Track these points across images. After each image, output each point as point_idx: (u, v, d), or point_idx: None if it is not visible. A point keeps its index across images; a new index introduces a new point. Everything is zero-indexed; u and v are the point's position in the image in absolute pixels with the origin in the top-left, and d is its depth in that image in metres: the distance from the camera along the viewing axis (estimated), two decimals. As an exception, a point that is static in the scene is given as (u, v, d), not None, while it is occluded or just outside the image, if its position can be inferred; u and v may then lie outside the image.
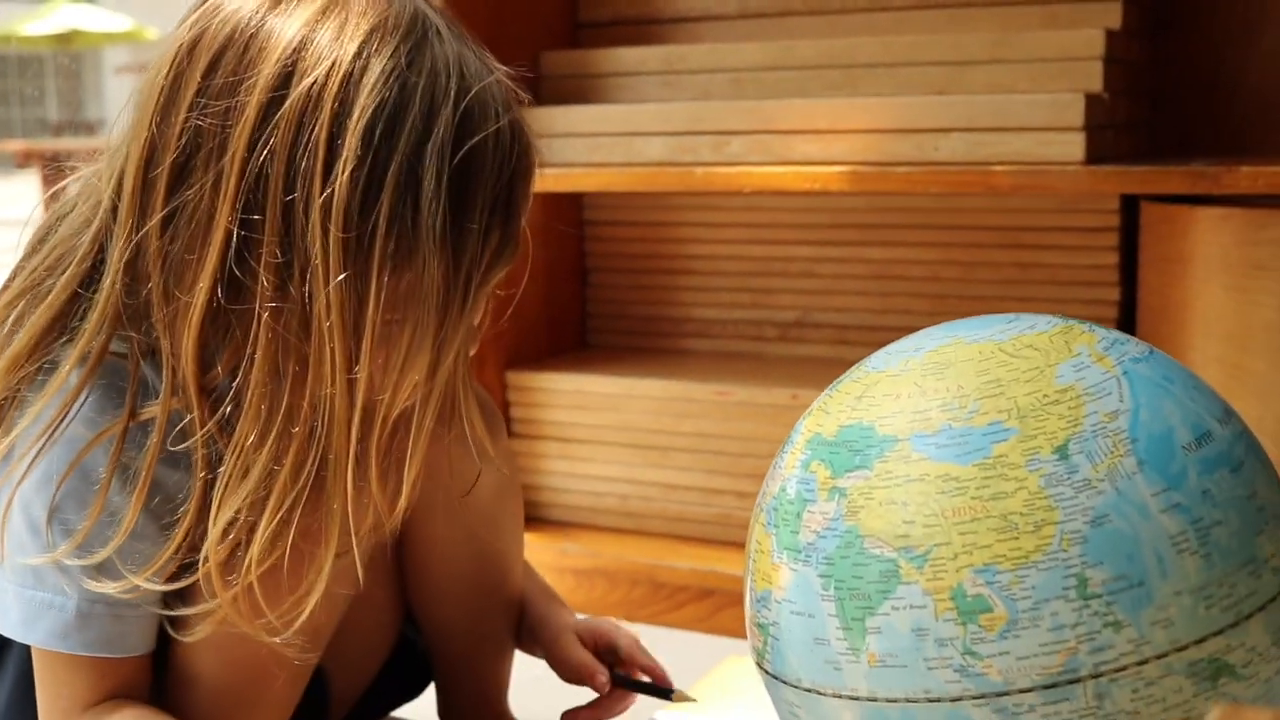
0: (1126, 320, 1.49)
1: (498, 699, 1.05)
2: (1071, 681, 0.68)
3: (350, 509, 0.75)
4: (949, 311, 1.59)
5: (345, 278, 0.73)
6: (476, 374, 1.59)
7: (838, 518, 0.74)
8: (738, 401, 1.52)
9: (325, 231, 0.73)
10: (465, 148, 0.76)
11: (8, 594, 0.79)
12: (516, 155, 0.79)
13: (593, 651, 1.00)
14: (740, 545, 1.52)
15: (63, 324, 0.79)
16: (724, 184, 1.43)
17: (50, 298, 0.79)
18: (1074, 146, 1.30)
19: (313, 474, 0.75)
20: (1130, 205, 1.48)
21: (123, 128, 0.80)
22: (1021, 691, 0.68)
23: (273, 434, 0.74)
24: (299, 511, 0.75)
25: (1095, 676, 0.68)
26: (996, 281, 1.56)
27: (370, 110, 0.73)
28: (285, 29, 0.75)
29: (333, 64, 0.74)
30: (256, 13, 0.76)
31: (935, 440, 0.72)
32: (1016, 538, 0.69)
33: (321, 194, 0.72)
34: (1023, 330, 0.77)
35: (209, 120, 0.73)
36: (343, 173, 0.72)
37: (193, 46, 0.76)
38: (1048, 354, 0.75)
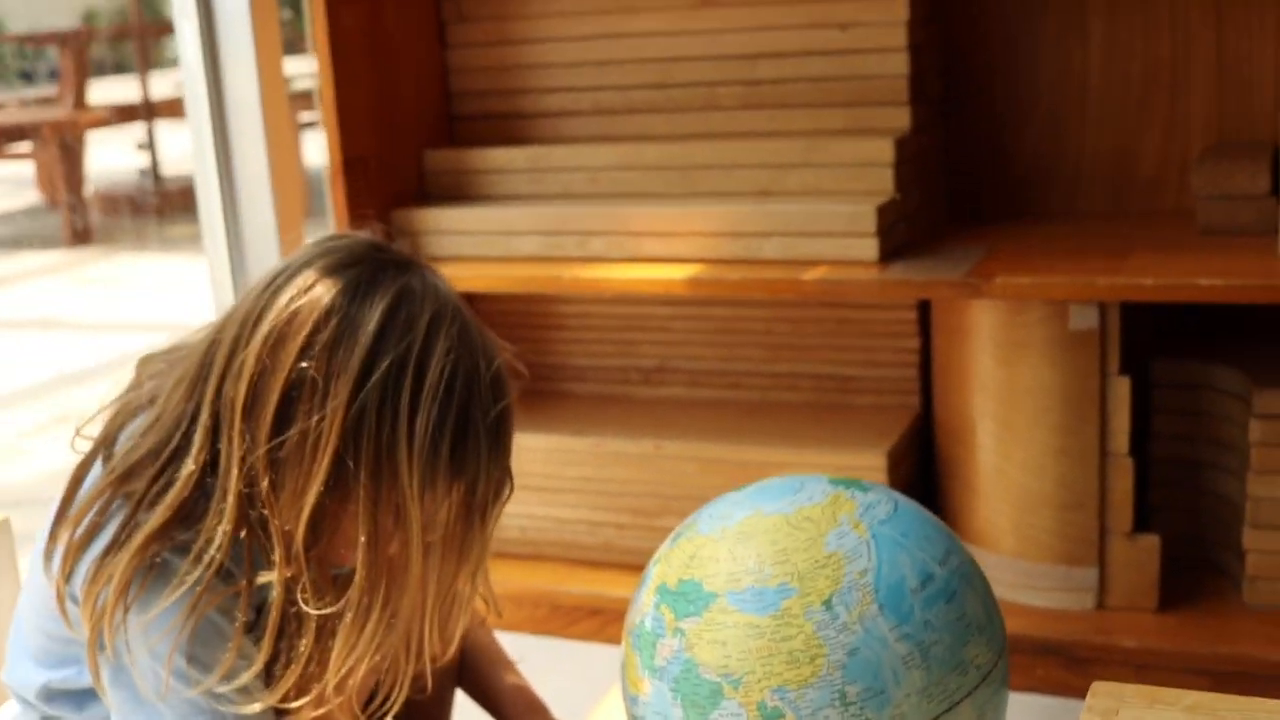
0: (926, 377, 1.81)
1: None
2: (839, 763, 1.00)
3: (419, 650, 1.07)
4: (782, 359, 1.91)
5: (423, 490, 1.02)
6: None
7: (680, 650, 1.05)
8: (611, 451, 1.82)
9: (409, 459, 1.01)
10: (502, 405, 1.06)
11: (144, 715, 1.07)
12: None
13: None
14: (621, 568, 1.83)
15: (185, 513, 1.04)
16: (589, 283, 1.72)
17: (170, 496, 1.04)
18: (869, 249, 1.61)
19: (399, 627, 1.05)
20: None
21: (189, 364, 1.07)
22: (806, 772, 1.01)
23: (376, 608, 1.04)
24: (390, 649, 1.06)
25: (856, 757, 1.00)
26: (821, 333, 1.86)
27: (447, 372, 1.03)
28: (369, 319, 1.03)
29: (408, 345, 1.02)
30: (340, 300, 1.03)
31: (742, 597, 1.03)
32: (799, 667, 1.01)
33: (407, 433, 1.01)
34: (803, 503, 1.08)
35: (311, 376, 1.01)
36: (419, 419, 1.01)
37: (291, 319, 1.02)
38: (819, 524, 1.06)
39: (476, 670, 1.38)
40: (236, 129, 1.94)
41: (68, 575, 1.08)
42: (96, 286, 5.04)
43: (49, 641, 1.17)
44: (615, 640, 1.80)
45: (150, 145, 6.54)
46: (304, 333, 1.02)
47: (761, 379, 1.94)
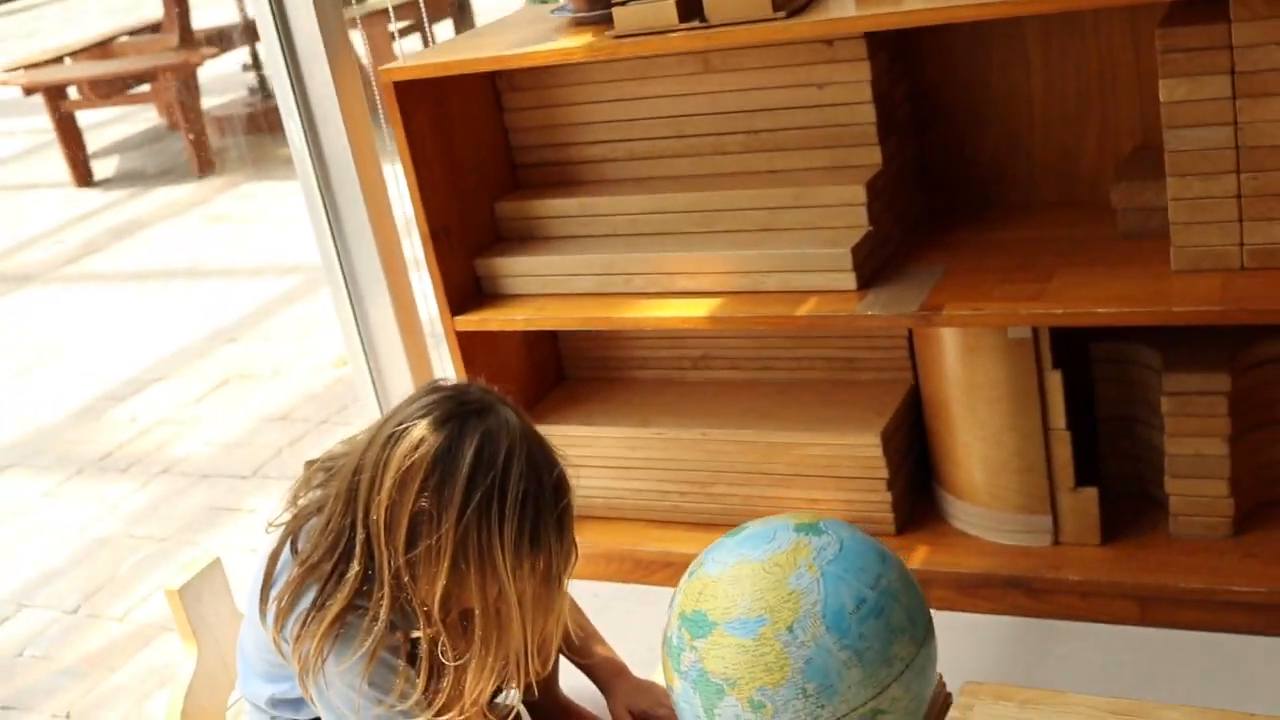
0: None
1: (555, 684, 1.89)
2: (805, 736, 1.48)
3: (526, 672, 1.56)
4: (801, 347, 2.33)
5: (515, 573, 1.49)
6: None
7: (695, 661, 1.53)
8: (668, 438, 2.29)
9: (502, 555, 1.48)
10: (563, 503, 1.53)
11: None
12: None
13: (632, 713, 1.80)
14: (687, 526, 2.31)
15: (357, 595, 1.54)
16: (632, 321, 2.16)
17: (346, 586, 1.53)
18: (849, 281, 2.02)
19: (510, 661, 1.55)
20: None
21: (342, 484, 1.55)
22: (783, 743, 1.49)
23: (492, 651, 1.52)
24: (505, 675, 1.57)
25: (817, 730, 1.48)
26: (832, 325, 2.28)
27: (521, 490, 1.50)
28: (462, 464, 1.49)
29: (492, 479, 1.48)
30: (440, 453, 1.50)
31: (733, 625, 1.50)
32: (772, 673, 1.47)
33: (499, 539, 1.48)
34: (774, 550, 1.54)
35: (427, 510, 1.48)
36: (507, 528, 1.48)
37: (409, 470, 1.48)
38: (784, 569, 1.52)
39: (573, 645, 1.88)
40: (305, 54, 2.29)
41: (280, 629, 1.60)
42: (226, 224, 5.55)
43: (270, 666, 1.69)
44: (684, 585, 2.29)
45: (256, 65, 7.01)
46: (418, 480, 1.49)
47: (786, 362, 2.37)
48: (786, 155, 2.18)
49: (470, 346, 2.32)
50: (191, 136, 6.46)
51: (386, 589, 1.53)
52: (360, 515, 1.54)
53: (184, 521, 2.96)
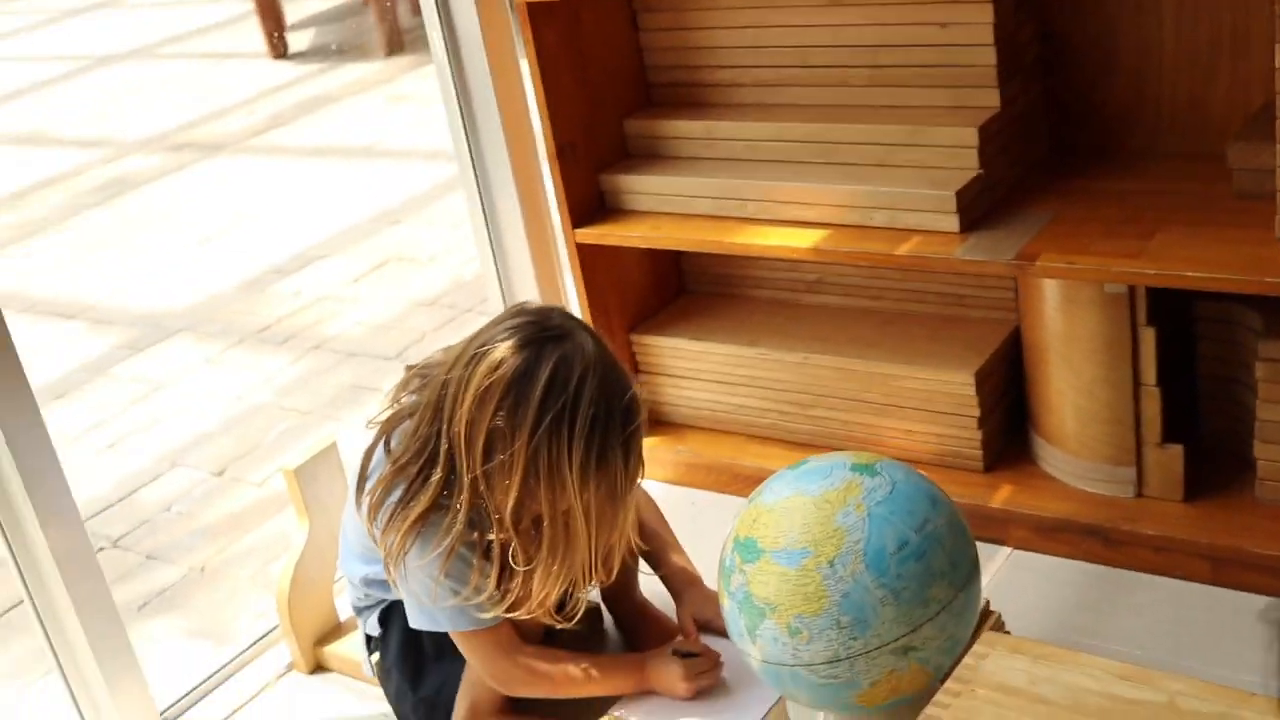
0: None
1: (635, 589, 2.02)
2: (835, 661, 1.57)
3: (589, 579, 1.69)
4: (912, 279, 2.37)
5: (581, 490, 1.60)
6: (608, 334, 2.47)
7: (743, 584, 1.62)
8: (772, 359, 2.36)
9: (570, 474, 1.59)
10: (631, 427, 1.64)
11: (423, 613, 1.75)
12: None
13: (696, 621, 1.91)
14: (784, 444, 2.39)
15: (439, 497, 1.67)
16: (742, 246, 2.23)
17: (430, 489, 1.67)
18: (952, 224, 2.05)
19: (575, 569, 1.67)
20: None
21: (432, 393, 1.68)
22: (814, 665, 1.58)
23: (559, 559, 1.65)
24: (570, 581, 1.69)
25: (849, 658, 1.56)
26: (939, 277, 2.30)
27: (591, 414, 1.60)
28: (536, 387, 1.61)
29: (563, 403, 1.59)
30: (517, 374, 1.61)
31: (779, 555, 1.59)
32: (811, 603, 1.56)
33: (568, 460, 1.60)
34: (828, 487, 1.61)
35: (501, 428, 1.60)
36: (575, 450, 1.59)
37: (487, 390, 1.60)
38: (834, 505, 1.59)
39: (651, 551, 1.99)
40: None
41: (372, 520, 1.74)
42: (408, 105, 5.72)
43: (364, 549, 1.85)
44: (777, 502, 2.38)
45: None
46: (495, 400, 1.60)
47: (897, 294, 2.41)
48: (907, 92, 2.20)
49: (590, 258, 2.42)
50: (381, 14, 6.64)
51: (465, 495, 1.65)
52: (444, 426, 1.66)
53: (329, 397, 3.16)
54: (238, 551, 2.59)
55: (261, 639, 2.25)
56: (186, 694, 2.16)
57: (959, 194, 2.05)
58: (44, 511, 1.85)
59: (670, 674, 1.81)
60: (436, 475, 1.67)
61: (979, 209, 2.09)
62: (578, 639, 1.87)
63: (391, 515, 1.71)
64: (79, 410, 3.46)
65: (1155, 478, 2.07)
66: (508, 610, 1.72)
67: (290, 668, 2.19)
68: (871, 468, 1.65)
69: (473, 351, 1.66)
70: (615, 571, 1.76)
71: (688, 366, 2.49)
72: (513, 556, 1.67)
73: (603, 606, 2.05)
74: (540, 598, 1.69)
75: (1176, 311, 2.06)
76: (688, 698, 1.80)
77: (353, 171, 4.98)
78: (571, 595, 1.76)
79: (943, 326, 2.34)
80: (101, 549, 2.75)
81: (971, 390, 2.18)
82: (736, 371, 2.42)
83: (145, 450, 3.09)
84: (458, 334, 1.89)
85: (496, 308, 2.63)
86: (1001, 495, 2.17)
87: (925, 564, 1.58)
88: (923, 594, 1.57)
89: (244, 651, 2.24)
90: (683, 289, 2.67)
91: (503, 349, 1.63)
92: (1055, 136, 2.28)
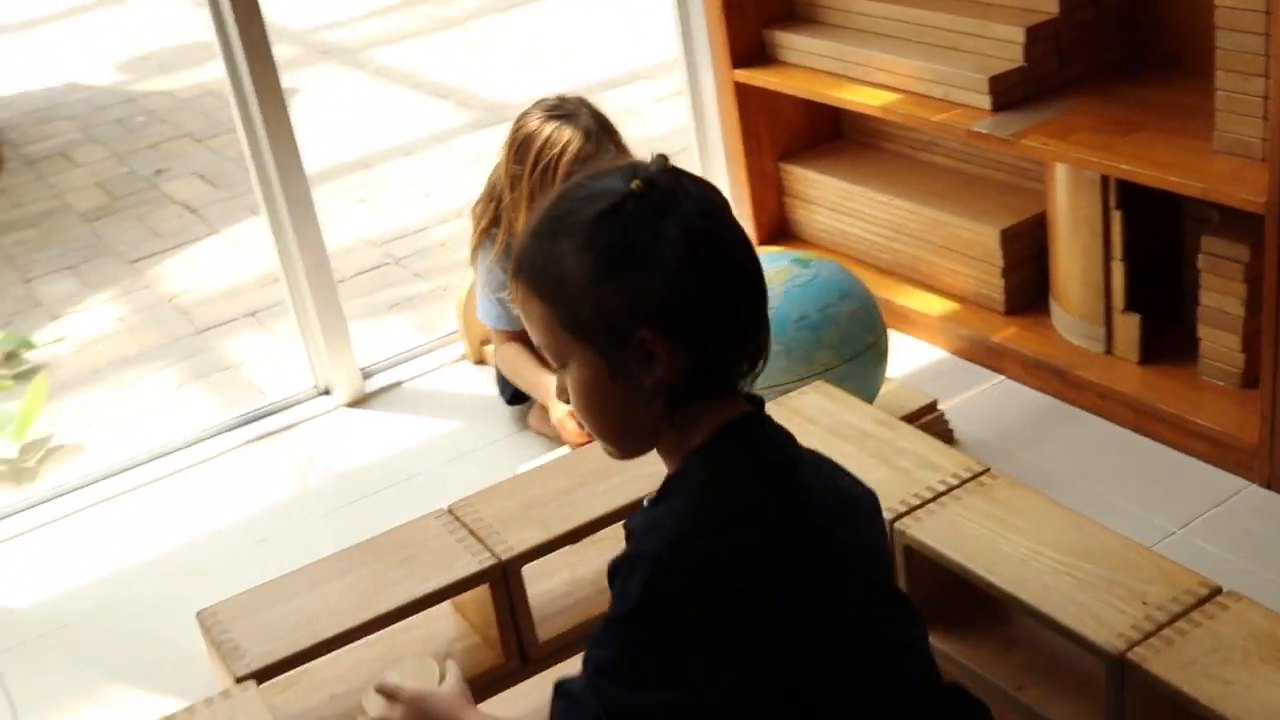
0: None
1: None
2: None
3: None
4: (992, 151, 2.84)
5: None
6: (756, 159, 3.09)
7: (700, 328, 2.26)
8: (868, 197, 2.91)
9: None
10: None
11: (483, 302, 2.54)
12: None
13: None
14: (871, 268, 2.94)
15: (493, 222, 2.47)
16: (841, 100, 2.78)
17: (487, 217, 2.48)
18: (986, 103, 2.53)
19: None
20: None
21: (499, 165, 2.44)
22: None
23: None
24: None
25: (750, 391, 2.18)
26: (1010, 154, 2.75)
27: (572, 160, 2.33)
28: (544, 131, 2.34)
29: (559, 149, 2.34)
30: (535, 128, 2.35)
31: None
32: (731, 346, 2.19)
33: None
34: (770, 267, 2.20)
35: (514, 175, 2.37)
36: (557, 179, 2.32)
37: (514, 133, 2.37)
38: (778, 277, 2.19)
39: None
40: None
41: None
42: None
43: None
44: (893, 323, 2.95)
45: None
46: (512, 153, 2.36)
47: (981, 160, 2.89)
48: (987, -14, 2.66)
49: (747, 98, 3.02)
50: None
51: (505, 221, 2.40)
52: (501, 174, 2.43)
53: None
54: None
55: (448, 334, 3.08)
56: (384, 358, 3.02)
57: (993, 79, 2.52)
58: (302, 240, 2.73)
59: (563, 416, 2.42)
60: (491, 207, 2.44)
61: (1015, 95, 2.55)
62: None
63: (474, 234, 2.51)
64: (417, 167, 4.42)
65: (1121, 339, 2.51)
66: None
67: (463, 357, 3.01)
68: (807, 262, 2.24)
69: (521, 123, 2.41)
70: None
71: (814, 194, 3.07)
72: None
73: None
74: None
75: (1170, 205, 2.45)
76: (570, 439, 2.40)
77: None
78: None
79: (1003, 193, 2.80)
80: (386, 263, 3.68)
81: (997, 244, 2.66)
82: (845, 203, 2.99)
83: (455, 203, 3.98)
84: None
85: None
86: (1007, 334, 2.66)
87: (817, 335, 2.17)
88: (809, 356, 2.16)
89: (433, 339, 3.08)
90: (839, 134, 3.22)
91: (526, 119, 2.38)
92: (1129, 46, 2.66)
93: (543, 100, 2.44)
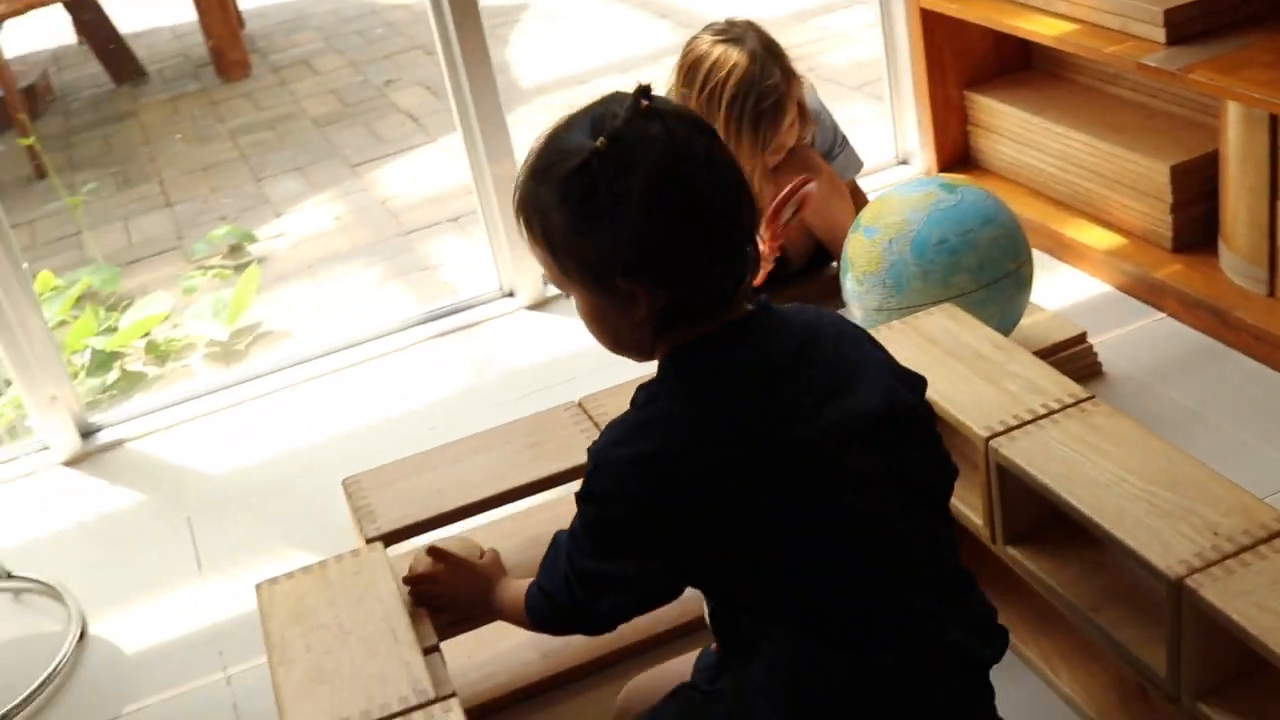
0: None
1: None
2: (880, 310, 2.26)
3: None
4: (1174, 85, 2.79)
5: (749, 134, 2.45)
6: (940, 87, 3.11)
7: (848, 247, 2.34)
8: (1044, 128, 2.90)
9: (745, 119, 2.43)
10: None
11: None
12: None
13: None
14: (1045, 199, 2.94)
15: None
16: (1018, 28, 2.78)
17: None
18: (1160, 35, 2.50)
19: None
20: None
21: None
22: (867, 308, 2.28)
23: None
24: None
25: (888, 310, 2.25)
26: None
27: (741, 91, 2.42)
28: (731, 57, 2.44)
29: (723, 73, 2.43)
30: (702, 52, 2.45)
31: (867, 230, 2.28)
32: (872, 265, 2.26)
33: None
34: (914, 192, 2.26)
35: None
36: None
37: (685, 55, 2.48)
38: (911, 205, 2.25)
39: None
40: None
41: None
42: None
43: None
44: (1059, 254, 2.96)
45: None
46: (703, 68, 2.45)
47: (1166, 95, 2.84)
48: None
49: (933, 25, 3.04)
50: None
51: None
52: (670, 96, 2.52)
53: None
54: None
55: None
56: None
57: (1168, 11, 2.49)
58: (491, 152, 2.89)
59: None
60: None
61: (1192, 29, 2.51)
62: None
63: None
64: (629, 84, 4.55)
65: (1284, 281, 2.47)
66: None
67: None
68: (953, 188, 2.28)
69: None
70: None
71: (996, 123, 3.07)
72: None
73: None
74: None
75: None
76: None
77: None
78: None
79: (1181, 128, 2.76)
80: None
81: (1166, 179, 2.63)
82: (1025, 133, 2.99)
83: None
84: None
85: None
86: (1171, 271, 2.64)
87: (955, 259, 2.22)
88: (946, 280, 2.22)
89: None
90: (1029, 64, 3.20)
91: (695, 42, 2.51)
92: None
93: (712, 24, 2.53)
